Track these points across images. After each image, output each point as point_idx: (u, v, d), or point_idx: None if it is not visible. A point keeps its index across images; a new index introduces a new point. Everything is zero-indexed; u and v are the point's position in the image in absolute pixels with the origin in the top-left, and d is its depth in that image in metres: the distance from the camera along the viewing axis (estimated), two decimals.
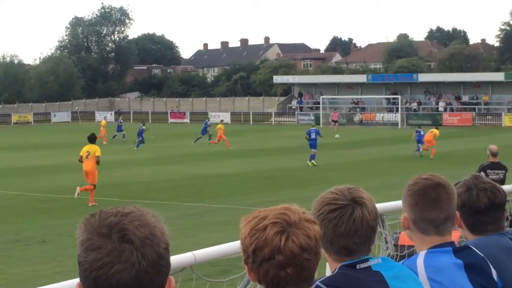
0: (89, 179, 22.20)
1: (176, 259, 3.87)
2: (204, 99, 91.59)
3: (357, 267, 2.57)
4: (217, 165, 33.25)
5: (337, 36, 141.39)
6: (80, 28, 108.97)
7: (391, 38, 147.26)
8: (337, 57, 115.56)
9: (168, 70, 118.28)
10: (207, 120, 50.36)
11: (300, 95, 79.51)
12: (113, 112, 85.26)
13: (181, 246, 11.42)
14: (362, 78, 77.03)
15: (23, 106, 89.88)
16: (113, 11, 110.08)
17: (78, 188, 22.22)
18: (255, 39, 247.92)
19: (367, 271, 2.56)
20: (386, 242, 5.73)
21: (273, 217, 2.20)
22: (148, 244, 1.79)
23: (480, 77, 71.87)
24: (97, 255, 1.77)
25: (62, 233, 17.19)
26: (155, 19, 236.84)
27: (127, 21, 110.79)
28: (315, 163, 32.29)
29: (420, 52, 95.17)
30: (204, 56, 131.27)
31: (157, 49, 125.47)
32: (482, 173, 13.75)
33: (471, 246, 3.12)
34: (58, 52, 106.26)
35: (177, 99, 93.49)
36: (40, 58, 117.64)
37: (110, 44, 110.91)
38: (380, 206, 5.09)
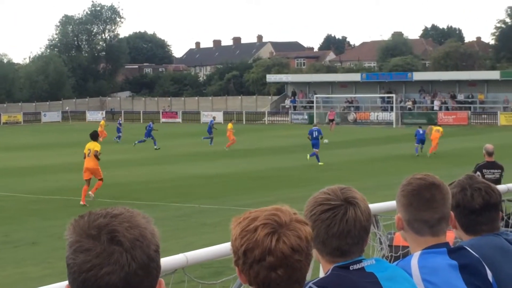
0: (96, 176, 22.38)
1: (167, 261, 3.83)
2: (196, 98, 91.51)
3: (350, 268, 2.55)
4: (209, 165, 33.12)
5: (331, 35, 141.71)
6: (71, 27, 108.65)
7: (386, 36, 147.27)
8: (331, 55, 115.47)
9: (160, 69, 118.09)
10: (212, 120, 49.99)
11: (294, 94, 79.50)
12: (104, 112, 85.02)
13: (172, 248, 11.37)
14: (356, 77, 77.02)
15: (12, 105, 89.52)
16: (103, 10, 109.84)
17: (90, 192, 22.17)
18: (248, 38, 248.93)
19: (361, 272, 2.55)
20: (381, 243, 5.71)
21: (263, 218, 2.18)
22: (138, 246, 1.77)
23: (475, 75, 71.79)
24: (86, 257, 1.76)
25: (53, 234, 16.98)
26: (146, 18, 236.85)
27: (118, 19, 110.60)
28: (321, 163, 32.22)
29: (415, 51, 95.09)
30: (196, 55, 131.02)
31: (149, 48, 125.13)
32: (478, 173, 13.77)
33: (466, 247, 3.11)
34: (48, 51, 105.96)
35: (169, 98, 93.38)
36: (30, 57, 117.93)
37: (100, 43, 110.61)
38: (374, 206, 5.06)
